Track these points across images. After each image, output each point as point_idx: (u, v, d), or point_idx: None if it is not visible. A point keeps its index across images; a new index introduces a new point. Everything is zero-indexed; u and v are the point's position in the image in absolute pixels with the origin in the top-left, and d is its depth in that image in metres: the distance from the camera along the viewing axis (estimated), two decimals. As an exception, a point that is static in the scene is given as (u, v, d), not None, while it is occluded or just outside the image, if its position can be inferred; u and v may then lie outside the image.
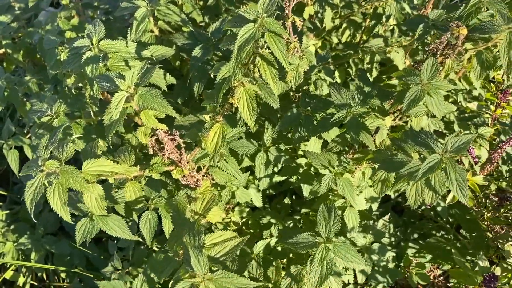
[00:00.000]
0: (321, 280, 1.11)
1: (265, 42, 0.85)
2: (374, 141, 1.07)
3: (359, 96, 1.06)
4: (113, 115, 0.79)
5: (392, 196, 2.04)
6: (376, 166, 1.24)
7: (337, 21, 1.63)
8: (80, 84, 1.20)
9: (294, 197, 1.95)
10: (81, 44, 0.97)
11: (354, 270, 1.47)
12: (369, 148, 1.08)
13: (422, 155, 0.91)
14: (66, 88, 1.17)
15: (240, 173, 1.11)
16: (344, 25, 1.55)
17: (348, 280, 1.51)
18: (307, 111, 1.15)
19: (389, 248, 1.55)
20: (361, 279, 1.45)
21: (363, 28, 1.84)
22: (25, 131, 1.87)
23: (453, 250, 1.55)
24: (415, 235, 2.08)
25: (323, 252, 1.10)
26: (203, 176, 1.12)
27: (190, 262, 0.76)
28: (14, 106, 2.68)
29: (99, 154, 0.91)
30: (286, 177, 1.64)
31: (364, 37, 1.88)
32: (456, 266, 1.89)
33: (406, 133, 0.97)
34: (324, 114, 1.12)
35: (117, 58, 1.01)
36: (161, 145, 0.96)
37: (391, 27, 1.86)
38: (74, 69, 1.02)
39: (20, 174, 0.83)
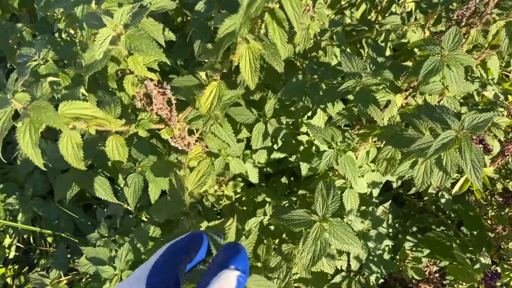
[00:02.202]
0: (313, 260, 1.04)
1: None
2: (383, 117, 0.99)
3: (371, 66, 0.97)
4: (96, 55, 0.71)
5: (394, 186, 1.96)
6: (382, 145, 1.16)
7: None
8: (71, 31, 1.12)
9: (292, 178, 1.87)
10: (72, -19, 0.88)
11: (348, 257, 1.40)
12: (376, 124, 0.99)
13: (434, 132, 0.82)
14: (57, 34, 1.09)
15: (235, 141, 1.03)
16: (361, -3, 1.45)
17: (341, 267, 1.43)
18: (314, 79, 1.06)
19: (387, 237, 1.48)
20: (354, 266, 1.38)
21: (378, 8, 1.75)
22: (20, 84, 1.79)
23: (454, 245, 1.47)
24: (414, 229, 2.01)
25: (318, 231, 1.03)
26: (196, 141, 1.03)
27: None
28: None
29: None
30: (285, 155, 1.56)
31: (380, 17, 1.79)
32: (454, 262, 1.82)
33: (420, 107, 0.89)
34: (331, 84, 1.04)
35: (111, 2, 0.92)
36: (151, 100, 0.88)
37: (409, 8, 1.77)
38: (64, 10, 0.93)
39: None
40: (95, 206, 2.28)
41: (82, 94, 1.00)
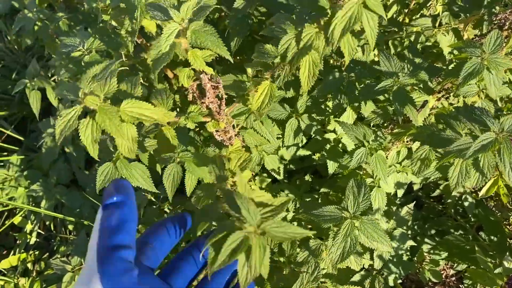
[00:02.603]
0: (342, 257, 1.06)
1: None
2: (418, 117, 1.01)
3: (408, 66, 0.99)
4: (163, 48, 0.73)
5: (415, 188, 1.97)
6: (413, 146, 1.18)
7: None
8: (114, 24, 1.15)
9: (313, 176, 1.89)
10: (124, -28, 0.91)
11: (371, 255, 1.41)
12: (411, 124, 1.01)
13: (473, 134, 0.84)
14: (101, 25, 1.11)
15: (275, 137, 1.05)
16: (392, -1, 1.47)
17: (364, 265, 1.45)
18: (351, 77, 1.08)
19: (410, 238, 1.49)
20: (377, 264, 1.40)
21: (406, 10, 1.75)
22: (49, 74, 1.83)
23: (476, 249, 1.48)
24: (433, 231, 2.02)
25: (349, 228, 1.05)
26: (235, 135, 1.06)
27: (237, 210, 0.70)
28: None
29: (138, 94, 0.85)
30: (310, 153, 1.58)
31: (407, 19, 1.80)
32: (472, 266, 1.83)
33: (458, 108, 0.90)
34: (368, 83, 1.05)
35: (162, -5, 0.95)
36: (202, 93, 0.91)
37: (437, 11, 1.77)
38: (112, 2, 0.96)
39: (53, 100, 0.78)
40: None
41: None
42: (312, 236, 1.48)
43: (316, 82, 1.20)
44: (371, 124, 1.09)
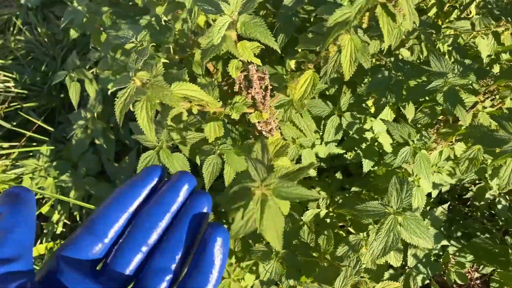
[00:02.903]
0: (384, 252, 1.07)
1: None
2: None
3: (458, 67, 1.00)
4: (214, 40, 0.75)
5: (443, 190, 1.97)
6: (456, 147, 1.19)
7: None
8: (164, 18, 1.17)
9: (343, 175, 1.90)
10: (183, -32, 0.94)
11: (405, 253, 1.43)
12: (458, 124, 1.02)
13: (527, 134, 0.85)
14: (153, 19, 1.14)
15: (313, 131, 1.07)
16: (432, 1, 1.47)
17: (395, 265, 1.46)
18: (398, 76, 1.09)
19: (444, 237, 1.50)
20: (411, 262, 1.41)
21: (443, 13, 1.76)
22: (87, 67, 1.86)
23: (510, 251, 1.48)
24: (459, 234, 2.02)
25: (392, 223, 1.06)
26: (275, 127, 1.08)
27: (250, 172, 0.71)
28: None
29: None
30: (343, 151, 1.59)
31: (439, 22, 1.80)
32: (499, 270, 1.83)
33: (510, 110, 0.91)
34: (415, 83, 1.07)
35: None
36: (248, 84, 0.93)
37: (472, 14, 1.78)
38: (170, -4, 0.99)
39: (110, 91, 0.81)
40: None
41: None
42: (351, 228, 1.49)
43: (359, 79, 1.21)
44: (417, 124, 1.11)
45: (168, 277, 0.40)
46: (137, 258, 0.41)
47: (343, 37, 0.85)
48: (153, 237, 0.41)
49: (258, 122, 1.03)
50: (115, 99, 0.81)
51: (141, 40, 1.11)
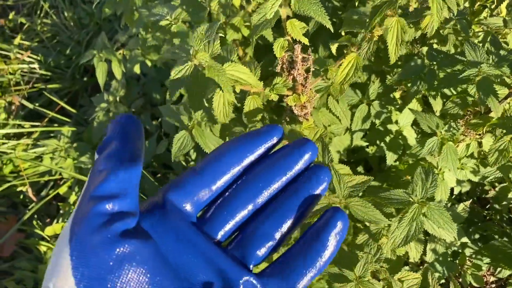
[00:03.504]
0: (405, 240, 1.07)
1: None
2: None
3: (493, 58, 1.00)
4: (268, 15, 0.76)
5: (463, 191, 1.96)
6: (484, 140, 1.18)
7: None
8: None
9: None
10: None
11: (424, 248, 1.42)
12: (490, 115, 1.01)
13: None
14: (188, -3, 1.15)
15: (349, 117, 1.07)
16: (464, -3, 1.46)
17: (414, 258, 1.45)
18: (432, 64, 1.09)
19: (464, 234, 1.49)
20: (430, 257, 1.40)
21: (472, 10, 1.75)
22: (115, 48, 1.89)
23: (530, 252, 1.47)
24: (476, 236, 2.00)
25: (416, 212, 1.06)
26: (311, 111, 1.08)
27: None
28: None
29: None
30: (365, 145, 1.59)
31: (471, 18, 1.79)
32: (517, 274, 1.81)
33: (546, 101, 0.91)
34: (448, 72, 1.06)
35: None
36: (291, 65, 0.93)
37: (502, 13, 1.76)
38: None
39: (165, 58, 0.81)
40: (159, 175, 2.37)
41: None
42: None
43: (391, 69, 1.21)
44: (446, 116, 1.10)
45: (270, 244, 0.37)
46: (241, 215, 0.38)
47: (390, 19, 0.85)
48: (262, 198, 0.39)
49: (296, 106, 1.03)
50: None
51: (176, 18, 1.12)
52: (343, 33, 0.95)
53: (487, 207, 2.13)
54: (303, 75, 0.92)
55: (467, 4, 1.49)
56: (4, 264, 2.26)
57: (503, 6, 1.73)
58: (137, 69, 1.62)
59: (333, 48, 0.97)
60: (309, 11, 0.78)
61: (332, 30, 0.82)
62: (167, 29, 1.11)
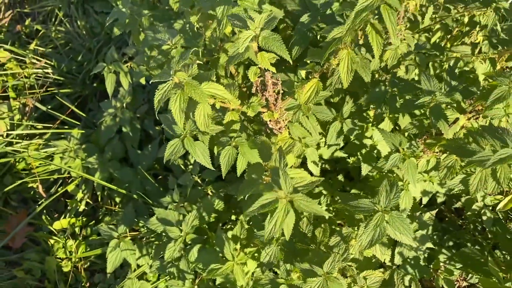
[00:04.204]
0: (370, 244, 1.23)
1: (376, 14, 0.97)
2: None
3: (445, 87, 1.16)
4: (240, 49, 0.93)
5: (438, 201, 2.12)
6: (442, 157, 1.34)
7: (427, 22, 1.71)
8: (197, 25, 1.36)
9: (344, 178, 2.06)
10: (217, -13, 1.12)
11: (392, 252, 1.58)
12: (443, 136, 1.18)
13: (494, 148, 1.00)
14: (187, 26, 1.33)
15: (318, 132, 1.24)
16: (437, 26, 1.63)
17: (384, 260, 1.61)
18: (394, 91, 1.26)
19: (429, 240, 1.65)
20: (397, 260, 1.56)
21: (449, 36, 1.91)
22: (123, 61, 2.07)
23: (489, 259, 1.62)
24: (450, 243, 2.16)
25: (379, 219, 1.22)
26: (284, 126, 1.25)
27: (276, 181, 0.90)
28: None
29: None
30: (345, 155, 1.75)
31: (448, 44, 1.95)
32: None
33: (484, 127, 1.07)
34: (408, 98, 1.23)
35: (242, 6, 1.15)
36: (263, 88, 1.10)
37: (477, 40, 1.92)
38: (202, 8, 1.17)
39: (151, 82, 0.99)
40: (160, 177, 2.54)
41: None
42: (342, 223, 1.65)
43: (361, 91, 1.38)
44: (407, 134, 1.26)
45: None
46: None
47: (342, 51, 1.02)
48: None
49: (270, 121, 1.21)
50: (156, 90, 0.99)
51: (176, 43, 1.29)
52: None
53: (462, 216, 2.28)
54: (274, 96, 1.09)
55: (438, 34, 1.66)
56: (14, 255, 2.44)
57: (479, 34, 1.89)
58: (142, 81, 1.80)
59: (303, 73, 1.14)
60: (273, 47, 0.96)
61: (290, 62, 1.00)
62: (167, 53, 1.29)
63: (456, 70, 1.71)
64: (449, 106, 1.16)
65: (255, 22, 0.99)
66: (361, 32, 0.99)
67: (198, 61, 1.05)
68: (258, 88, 1.10)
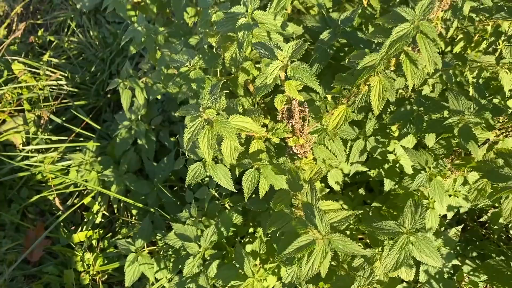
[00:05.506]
0: (395, 267, 1.20)
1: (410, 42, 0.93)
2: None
3: (474, 106, 1.12)
4: (268, 80, 0.91)
5: (461, 211, 2.07)
6: (469, 176, 1.30)
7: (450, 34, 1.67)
8: (213, 44, 1.33)
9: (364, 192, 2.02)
10: (237, 10, 1.09)
11: (417, 269, 1.54)
12: (471, 157, 1.14)
13: (529, 174, 0.96)
14: (206, 46, 1.30)
15: (343, 154, 1.21)
16: (460, 36, 1.58)
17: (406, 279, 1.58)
18: (420, 110, 1.22)
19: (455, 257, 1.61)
20: (422, 278, 1.53)
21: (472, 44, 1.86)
22: (138, 76, 2.05)
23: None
24: (474, 254, 2.11)
25: (404, 242, 1.19)
26: (310, 149, 1.23)
27: (311, 220, 0.87)
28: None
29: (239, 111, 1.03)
30: (366, 169, 1.72)
31: (469, 51, 1.90)
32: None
33: (517, 149, 1.03)
34: (435, 117, 1.19)
35: (263, 29, 1.12)
36: (289, 114, 1.07)
37: (500, 47, 1.87)
38: (224, 31, 1.14)
39: (176, 114, 0.96)
40: (176, 188, 2.53)
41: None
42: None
43: (383, 109, 1.34)
44: (435, 153, 1.23)
45: None
46: None
47: (373, 78, 0.99)
48: None
49: (296, 146, 1.18)
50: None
51: (194, 65, 1.27)
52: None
53: (486, 226, 2.23)
54: (300, 123, 1.06)
55: (461, 44, 1.61)
56: (32, 269, 2.44)
57: (500, 40, 1.84)
58: (158, 96, 1.79)
59: (328, 97, 1.11)
60: (302, 77, 0.92)
61: (321, 93, 0.96)
62: (186, 75, 1.26)
63: (480, 80, 1.66)
64: (478, 126, 1.12)
65: (283, 51, 0.96)
66: (394, 60, 0.96)
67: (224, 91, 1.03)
68: (283, 115, 1.07)
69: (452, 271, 1.79)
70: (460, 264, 2.03)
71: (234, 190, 1.30)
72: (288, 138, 1.13)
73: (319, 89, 0.93)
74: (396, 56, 0.95)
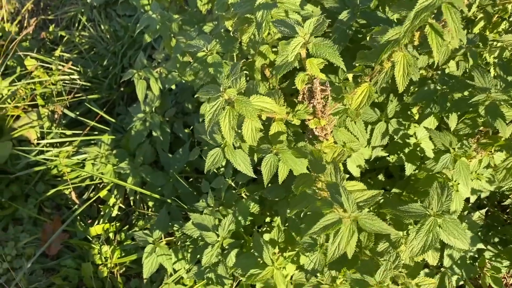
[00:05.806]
0: (423, 250, 1.17)
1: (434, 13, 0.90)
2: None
3: (501, 83, 1.09)
4: (289, 57, 0.88)
5: (482, 196, 2.03)
6: (495, 156, 1.27)
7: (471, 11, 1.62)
8: (231, 29, 1.31)
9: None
10: (256, -10, 1.07)
11: (442, 253, 1.51)
12: (498, 136, 1.11)
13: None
14: (222, 30, 1.28)
15: (365, 137, 1.18)
16: (480, 15, 1.54)
17: (432, 263, 1.55)
18: (444, 89, 1.19)
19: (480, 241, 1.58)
20: (447, 262, 1.50)
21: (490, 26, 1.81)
22: (153, 65, 2.04)
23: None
24: (496, 239, 2.07)
25: (432, 225, 1.16)
26: (330, 132, 1.20)
27: (337, 199, 0.85)
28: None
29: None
30: (386, 154, 1.69)
31: (488, 32, 1.85)
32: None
33: (549, 126, 0.99)
34: (459, 96, 1.16)
35: (282, 8, 1.10)
36: (310, 95, 1.05)
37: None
38: (242, 12, 1.12)
39: (197, 95, 0.95)
40: (191, 179, 2.52)
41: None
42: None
43: (405, 90, 1.31)
44: (458, 133, 1.19)
45: None
46: None
47: (397, 54, 0.96)
48: None
49: (316, 128, 1.16)
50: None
51: (211, 49, 1.25)
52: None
53: (507, 211, 2.20)
54: (322, 103, 1.04)
55: (481, 23, 1.57)
56: (51, 262, 2.46)
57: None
58: (173, 86, 1.77)
59: (350, 76, 1.08)
60: (325, 53, 0.90)
61: (345, 69, 0.94)
62: (203, 60, 1.24)
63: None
64: (502, 103, 1.09)
65: (305, 28, 0.94)
66: (418, 33, 0.92)
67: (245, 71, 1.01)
68: (305, 95, 1.05)
69: (476, 255, 1.76)
70: (480, 250, 2.00)
71: (254, 176, 1.28)
72: (309, 120, 1.10)
73: (342, 64, 0.90)
74: (420, 29, 0.92)
